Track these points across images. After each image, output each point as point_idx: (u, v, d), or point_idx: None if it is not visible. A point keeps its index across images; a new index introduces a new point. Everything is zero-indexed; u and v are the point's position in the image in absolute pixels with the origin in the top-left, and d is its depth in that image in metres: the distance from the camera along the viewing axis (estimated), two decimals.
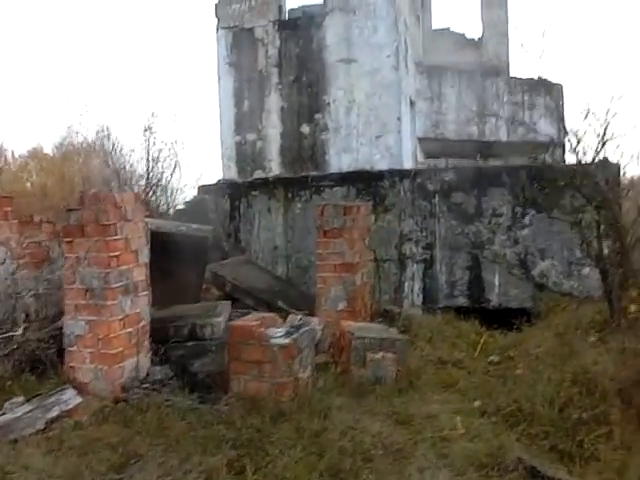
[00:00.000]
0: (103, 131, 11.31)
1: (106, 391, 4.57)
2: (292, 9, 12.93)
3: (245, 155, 12.28)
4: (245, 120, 12.23)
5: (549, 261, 7.79)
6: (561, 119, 15.80)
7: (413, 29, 13.87)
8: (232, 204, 9.14)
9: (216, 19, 12.29)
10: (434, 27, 16.12)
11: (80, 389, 4.55)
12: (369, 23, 11.43)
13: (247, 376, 4.37)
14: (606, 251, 6.00)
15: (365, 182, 8.56)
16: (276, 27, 11.91)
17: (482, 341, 6.39)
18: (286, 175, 11.26)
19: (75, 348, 4.69)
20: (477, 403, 4.56)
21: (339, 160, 11.73)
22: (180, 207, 9.13)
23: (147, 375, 5.03)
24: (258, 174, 12.16)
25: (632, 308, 5.54)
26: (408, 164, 12.18)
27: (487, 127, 14.48)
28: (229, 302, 6.64)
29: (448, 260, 8.18)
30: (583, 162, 6.86)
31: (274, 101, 12.04)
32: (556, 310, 7.22)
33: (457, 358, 5.84)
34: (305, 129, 11.90)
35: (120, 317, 4.74)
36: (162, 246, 5.98)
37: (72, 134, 11.45)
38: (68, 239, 4.72)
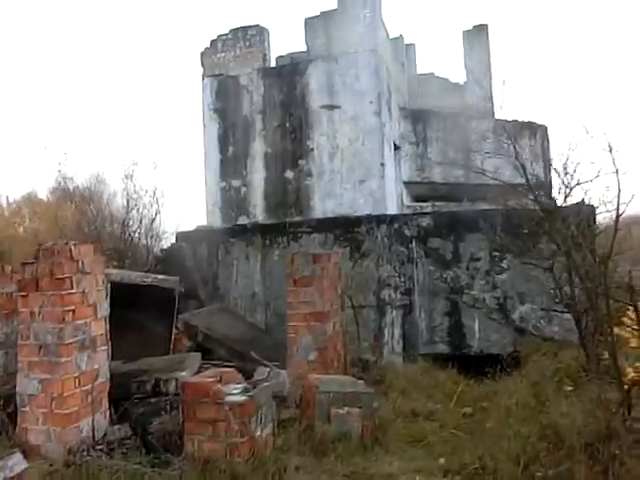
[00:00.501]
0: (97, 177, 11.35)
1: (58, 454, 4.40)
2: (280, 56, 13.24)
3: (230, 201, 12.33)
4: (230, 166, 12.33)
5: (529, 305, 7.69)
6: (546, 160, 16.01)
7: (397, 75, 14.15)
8: (210, 251, 9.09)
9: (202, 67, 12.56)
10: (419, 72, 16.43)
11: (31, 452, 4.38)
12: (351, 71, 11.65)
13: (201, 436, 4.21)
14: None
15: (342, 228, 8.53)
16: (260, 74, 12.15)
17: (458, 391, 6.21)
18: (265, 222, 11.28)
19: (28, 408, 4.55)
20: (442, 460, 4.38)
21: (323, 205, 11.77)
22: (158, 255, 9.06)
23: (105, 435, 4.86)
24: (242, 220, 12.18)
25: (605, 355, 5.43)
26: (393, 208, 12.21)
27: (472, 170, 14.58)
28: (199, 354, 6.52)
29: (427, 306, 8.08)
30: (556, 206, 6.88)
31: (258, 147, 12.16)
32: (536, 356, 7.07)
33: (430, 410, 5.67)
34: (289, 174, 11.98)
35: (75, 374, 4.61)
36: (128, 298, 5.90)
37: (65, 180, 11.56)
38: (22, 293, 4.64)
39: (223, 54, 12.38)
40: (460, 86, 15.90)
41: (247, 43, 12.25)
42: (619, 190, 5.16)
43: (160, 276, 6.23)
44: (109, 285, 5.07)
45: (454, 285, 7.96)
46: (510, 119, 16.83)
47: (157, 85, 49.21)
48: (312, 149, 11.80)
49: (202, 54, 12.52)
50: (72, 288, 4.63)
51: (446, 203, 14.32)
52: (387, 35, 13.10)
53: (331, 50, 11.75)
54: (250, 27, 12.25)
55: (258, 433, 4.32)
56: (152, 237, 9.32)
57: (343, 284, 8.40)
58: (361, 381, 5.39)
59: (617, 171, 5.22)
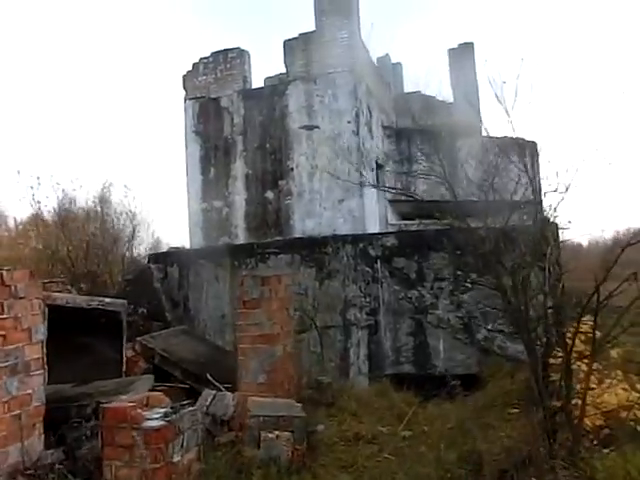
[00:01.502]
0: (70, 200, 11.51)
1: None
2: (269, 77, 13.42)
3: (211, 222, 12.42)
4: (211, 187, 12.44)
5: (493, 325, 7.58)
6: (535, 177, 15.87)
7: (381, 94, 14.21)
8: (181, 272, 9.13)
9: (184, 90, 12.76)
10: (406, 90, 16.50)
11: None
12: (329, 91, 11.75)
13: (119, 462, 4.19)
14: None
15: (309, 249, 8.53)
16: (241, 96, 12.30)
17: (410, 413, 6.12)
18: (246, 242, 11.32)
19: None
20: None
21: (303, 224, 11.79)
22: (127, 277, 9.12)
23: (38, 460, 4.86)
24: (224, 240, 12.25)
25: (553, 376, 5.33)
26: (374, 227, 12.19)
27: (458, 188, 14.50)
28: (151, 376, 6.52)
29: (392, 326, 8.01)
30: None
31: (239, 168, 12.27)
32: (498, 376, 6.95)
33: (374, 433, 5.59)
34: (269, 195, 12.05)
35: (5, 399, 4.63)
36: (75, 321, 5.95)
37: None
38: None
39: (205, 77, 12.58)
40: (447, 104, 15.92)
41: (228, 65, 12.43)
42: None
43: (107, 299, 6.28)
44: (46, 309, 5.11)
45: (419, 305, 7.89)
46: (498, 136, 16.76)
47: (140, 107, 50.01)
48: (292, 169, 11.87)
49: (184, 77, 12.74)
50: (3, 313, 4.68)
51: (434, 221, 14.28)
52: (368, 55, 13.20)
53: (310, 71, 11.88)
54: (231, 50, 12.45)
55: (178, 459, 4.29)
56: (125, 259, 9.36)
57: (308, 304, 8.43)
58: (299, 404, 5.33)
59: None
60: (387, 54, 15.61)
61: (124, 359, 6.40)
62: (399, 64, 16.25)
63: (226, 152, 12.34)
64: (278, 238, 11.06)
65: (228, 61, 12.42)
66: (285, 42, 12.05)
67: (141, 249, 15.64)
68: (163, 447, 4.17)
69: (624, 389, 4.88)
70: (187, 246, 11.87)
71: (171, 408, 4.54)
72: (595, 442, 4.41)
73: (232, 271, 8.82)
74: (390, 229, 13.80)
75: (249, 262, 8.75)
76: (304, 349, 8.32)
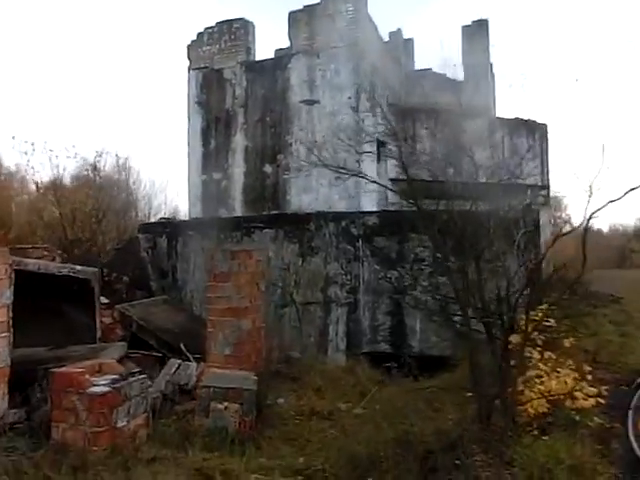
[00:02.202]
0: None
1: None
2: (280, 49, 13.30)
3: (210, 193, 12.51)
4: (212, 159, 12.50)
5: (469, 309, 7.54)
6: (544, 160, 15.56)
7: (387, 71, 13.97)
8: (170, 243, 9.27)
9: (188, 60, 12.74)
10: (418, 68, 16.18)
11: None
12: (332, 66, 11.62)
13: (65, 424, 4.38)
14: None
15: (293, 225, 8.56)
16: (243, 68, 12.24)
17: (372, 392, 6.20)
18: (244, 214, 11.41)
19: None
20: (301, 460, 4.42)
21: (299, 200, 11.80)
22: (116, 246, 9.31)
23: (1, 418, 5.09)
24: (222, 213, 12.35)
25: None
26: (370, 205, 12.13)
27: (464, 169, 14.30)
28: (124, 344, 6.72)
29: (371, 305, 8.05)
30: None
31: (239, 141, 12.28)
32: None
33: (330, 410, 5.69)
34: (268, 169, 12.06)
35: None
36: (47, 288, 6.13)
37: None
38: None
39: (209, 47, 12.53)
40: (457, 83, 15.56)
41: (232, 36, 12.35)
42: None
43: (78, 267, 6.44)
44: (13, 274, 5.27)
45: (398, 285, 7.90)
46: (508, 118, 16.44)
47: (145, 77, 49.90)
48: (290, 144, 11.83)
49: (189, 47, 12.70)
50: None
51: (437, 201, 14.13)
52: (376, 30, 12.94)
53: (313, 45, 11.73)
54: (235, 20, 12.34)
55: (123, 424, 4.46)
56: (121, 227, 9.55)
57: (290, 280, 8.51)
58: (254, 378, 5.44)
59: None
60: (399, 29, 15.29)
61: (97, 326, 6.58)
62: (411, 40, 15.90)
63: (227, 124, 12.34)
64: (275, 212, 11.12)
65: (232, 32, 12.33)
66: (290, 14, 11.89)
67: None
68: (107, 412, 4.33)
69: (574, 378, 4.86)
70: (185, 217, 12.00)
71: (121, 376, 4.69)
72: (535, 429, 4.43)
73: (218, 243, 8.91)
74: (390, 208, 13.74)
75: (235, 235, 8.84)
76: (285, 324, 8.45)
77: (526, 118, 15.52)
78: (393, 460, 3.90)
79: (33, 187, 12.21)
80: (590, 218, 4.71)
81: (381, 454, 4.11)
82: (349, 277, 8.19)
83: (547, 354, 5.12)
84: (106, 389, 4.38)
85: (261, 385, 5.84)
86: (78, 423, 4.34)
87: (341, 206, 11.08)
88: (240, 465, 4.26)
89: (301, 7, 11.89)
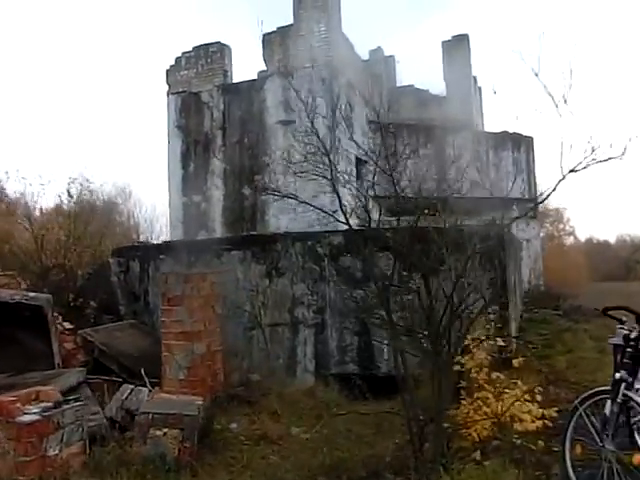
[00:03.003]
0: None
1: None
2: (262, 71, 13.42)
3: (191, 216, 12.56)
4: (191, 181, 12.58)
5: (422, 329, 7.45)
6: (530, 173, 15.49)
7: (366, 88, 14.04)
8: (142, 267, 9.26)
9: (167, 85, 12.89)
10: (399, 84, 16.26)
11: None
12: (305, 86, 11.66)
13: None
14: None
15: (260, 246, 8.53)
16: (220, 91, 12.36)
17: (324, 417, 6.11)
18: (222, 236, 11.41)
19: None
20: None
21: (277, 221, 11.81)
22: (89, 270, 9.33)
23: None
24: (202, 235, 12.37)
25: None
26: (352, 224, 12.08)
27: (447, 183, 14.27)
28: (82, 369, 6.68)
29: (338, 325, 7.96)
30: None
31: (218, 163, 12.35)
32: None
33: (282, 434, 5.60)
34: (246, 190, 12.11)
35: None
36: (3, 315, 6.13)
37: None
38: None
39: (186, 71, 12.69)
40: (440, 98, 15.64)
41: (209, 60, 12.51)
42: None
43: (31, 294, 6.45)
44: None
45: (364, 305, 7.81)
46: (494, 131, 16.43)
47: (125, 102, 50.51)
48: (268, 164, 11.88)
49: (167, 71, 12.87)
50: None
51: (424, 217, 14.06)
52: (352, 49, 13.06)
53: (287, 65, 11.84)
54: (211, 44, 12.51)
55: (54, 452, 4.41)
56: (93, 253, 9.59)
57: (258, 302, 8.46)
58: (199, 403, 5.37)
59: None
60: (379, 47, 15.42)
61: (55, 352, 6.55)
62: (392, 57, 16.02)
63: (205, 147, 12.45)
64: (245, 234, 11.11)
65: (209, 55, 12.50)
66: (264, 36, 12.00)
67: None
68: (36, 441, 4.28)
69: (519, 399, 4.75)
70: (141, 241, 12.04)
71: (55, 403, 4.65)
72: (480, 454, 4.32)
73: (188, 266, 8.89)
74: (374, 225, 13.68)
75: (203, 258, 8.81)
76: (254, 346, 8.37)
77: (512, 131, 15.52)
78: None
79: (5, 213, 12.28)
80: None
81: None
82: (316, 297, 8.12)
83: (495, 375, 5.01)
84: (35, 417, 4.34)
85: (213, 410, 5.80)
86: (7, 452, 4.30)
87: (320, 225, 11.07)
88: None
89: (274, 29, 12.04)
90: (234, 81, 12.61)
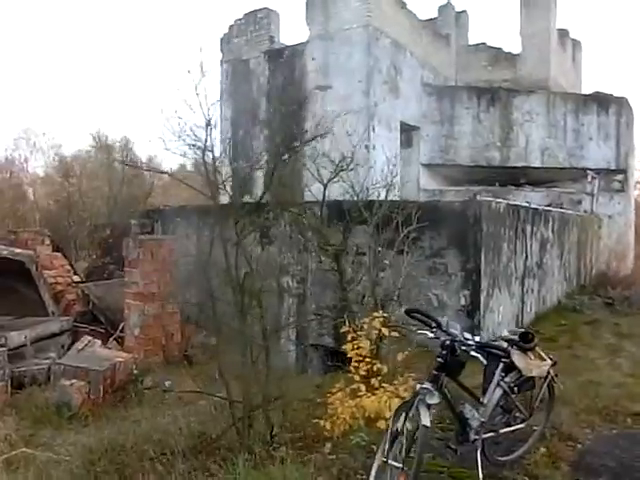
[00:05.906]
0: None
1: None
2: None
3: (237, 180, 13.00)
4: (239, 147, 12.98)
5: (407, 306, 7.15)
6: (619, 139, 13.59)
7: (426, 48, 13.23)
8: (164, 228, 9.93)
9: (221, 53, 13.28)
10: (470, 42, 15.01)
11: None
12: (345, 49, 11.41)
13: None
14: None
15: (255, 214, 8.67)
16: (266, 58, 12.48)
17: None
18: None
19: None
20: (105, 442, 4.70)
21: (316, 188, 11.78)
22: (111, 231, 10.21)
23: None
24: (246, 199, 12.79)
25: None
26: (391, 193, 11.72)
27: (513, 151, 13.17)
28: (69, 318, 7.52)
29: (318, 297, 7.96)
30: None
31: (262, 129, 12.59)
32: None
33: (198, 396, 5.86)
34: (286, 156, 12.20)
35: None
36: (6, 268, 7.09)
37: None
38: None
39: (237, 39, 12.94)
40: (514, 56, 14.20)
41: (257, 26, 12.62)
42: None
43: (17, 250, 7.30)
44: None
45: (341, 279, 7.70)
46: (576, 92, 14.67)
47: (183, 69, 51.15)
48: (306, 131, 11.84)
49: (221, 40, 13.22)
50: None
51: (484, 187, 13.20)
52: (404, 7, 12.33)
53: (328, 29, 11.57)
54: (259, 10, 12.57)
55: None
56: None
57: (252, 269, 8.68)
58: (121, 359, 5.80)
59: None
60: (449, 2, 14.28)
61: (46, 302, 7.42)
62: (464, 12, 14.73)
63: (252, 114, 12.72)
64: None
65: (257, 22, 12.60)
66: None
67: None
68: None
69: (392, 394, 4.47)
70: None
71: None
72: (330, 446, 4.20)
73: (197, 230, 9.38)
74: (422, 195, 13.16)
75: (209, 222, 9.20)
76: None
77: (596, 92, 13.77)
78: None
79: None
80: None
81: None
82: (300, 267, 8.16)
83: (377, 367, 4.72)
84: None
85: (150, 368, 6.24)
86: None
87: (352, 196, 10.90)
88: (50, 439, 4.70)
89: None
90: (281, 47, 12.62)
